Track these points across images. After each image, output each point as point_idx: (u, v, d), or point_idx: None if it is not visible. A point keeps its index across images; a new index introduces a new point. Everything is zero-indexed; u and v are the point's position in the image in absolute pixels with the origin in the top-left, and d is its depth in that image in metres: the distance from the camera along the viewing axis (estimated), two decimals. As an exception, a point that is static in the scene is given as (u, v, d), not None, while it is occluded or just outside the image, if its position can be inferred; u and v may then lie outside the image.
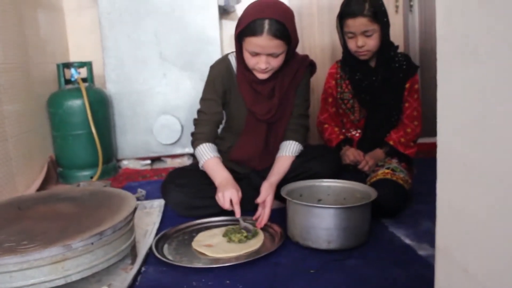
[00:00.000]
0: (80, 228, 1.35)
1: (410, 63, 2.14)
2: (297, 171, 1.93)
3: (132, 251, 1.52)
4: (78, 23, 3.27)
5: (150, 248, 1.61)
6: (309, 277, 1.41)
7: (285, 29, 1.72)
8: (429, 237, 1.64)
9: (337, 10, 2.11)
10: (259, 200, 1.79)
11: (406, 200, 1.98)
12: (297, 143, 1.97)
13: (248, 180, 2.02)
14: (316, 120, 2.34)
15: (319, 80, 3.02)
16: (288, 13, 1.78)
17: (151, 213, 2.05)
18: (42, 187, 2.52)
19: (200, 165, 1.93)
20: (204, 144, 1.92)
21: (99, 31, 2.97)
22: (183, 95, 2.98)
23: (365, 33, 2.01)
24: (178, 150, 3.03)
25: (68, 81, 2.84)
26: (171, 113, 2.99)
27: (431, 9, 3.26)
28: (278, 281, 1.40)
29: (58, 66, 2.82)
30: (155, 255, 1.55)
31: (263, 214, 1.77)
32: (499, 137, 0.65)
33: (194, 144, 1.96)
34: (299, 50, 1.96)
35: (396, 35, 3.12)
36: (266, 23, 1.70)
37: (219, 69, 1.99)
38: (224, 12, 3.21)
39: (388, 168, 2.00)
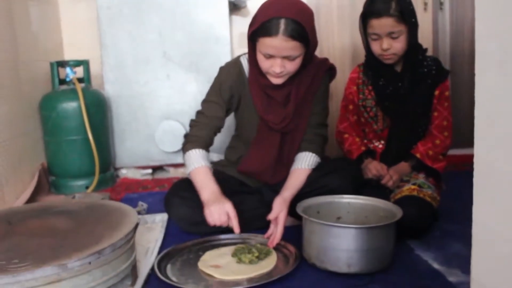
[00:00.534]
0: (77, 245, 1.36)
1: (440, 67, 2.14)
2: (313, 186, 1.92)
3: (133, 272, 1.52)
4: (74, 17, 3.30)
5: (152, 268, 1.62)
6: (327, 304, 1.42)
7: (303, 29, 1.72)
8: (460, 262, 1.64)
9: (359, 6, 2.11)
10: (271, 216, 1.79)
11: (434, 220, 1.98)
12: (314, 154, 1.98)
13: (260, 194, 2.02)
14: (335, 130, 2.34)
15: (338, 85, 3.03)
16: (306, 12, 1.78)
17: (153, 229, 2.06)
18: (32, 197, 2.53)
19: (187, 171, 1.93)
20: (196, 150, 1.92)
21: (97, 27, 3.00)
22: (188, 98, 3.00)
23: (391, 35, 2.01)
24: (182, 159, 3.04)
25: (62, 81, 2.87)
26: (175, 118, 3.01)
27: (464, 6, 3.27)
28: (293, 308, 1.40)
29: (51, 64, 2.84)
30: (157, 276, 1.56)
31: (276, 232, 1.77)
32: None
33: (185, 147, 1.95)
34: (317, 50, 1.96)
35: (424, 36, 3.12)
36: (282, 23, 1.70)
37: (230, 72, 2.00)
38: (234, 7, 3.22)
39: (414, 184, 2.00)
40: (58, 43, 3.25)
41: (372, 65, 2.16)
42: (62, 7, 3.28)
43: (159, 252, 1.76)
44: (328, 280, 1.56)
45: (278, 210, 1.79)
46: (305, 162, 1.96)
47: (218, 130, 2.01)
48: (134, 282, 1.52)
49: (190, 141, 1.96)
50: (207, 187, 1.84)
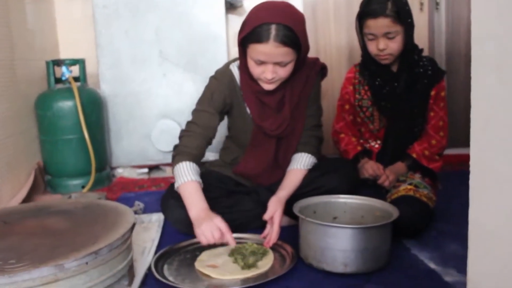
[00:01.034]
0: (74, 246, 1.36)
1: (436, 68, 2.14)
2: (310, 186, 1.93)
3: (130, 272, 1.53)
4: (70, 16, 3.29)
5: (149, 268, 1.62)
6: (323, 304, 1.42)
7: (294, 35, 1.70)
8: (456, 261, 1.65)
9: (355, 5, 2.12)
10: (266, 216, 1.79)
11: (430, 220, 1.99)
12: (310, 155, 1.98)
13: (256, 195, 2.02)
14: (331, 129, 2.35)
15: (335, 84, 3.04)
16: (298, 17, 1.76)
17: (149, 228, 2.06)
18: (28, 197, 2.53)
19: (175, 185, 1.84)
20: (186, 163, 1.83)
21: (93, 26, 2.99)
22: (185, 97, 3.00)
23: (387, 35, 2.01)
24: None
25: (58, 80, 2.86)
26: (172, 118, 3.01)
27: (460, 6, 3.27)
28: (290, 308, 1.41)
29: (47, 63, 2.84)
30: (154, 276, 1.56)
31: (271, 232, 1.77)
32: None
33: (175, 159, 1.87)
34: (313, 49, 1.96)
35: (420, 36, 3.12)
36: (273, 29, 1.68)
37: (221, 81, 1.95)
38: (230, 7, 3.22)
39: (410, 184, 2.01)
40: (54, 42, 3.24)
41: (368, 65, 2.16)
42: (58, 5, 3.27)
43: (155, 252, 1.76)
44: (325, 280, 1.57)
45: (273, 210, 1.79)
46: (301, 163, 1.96)
47: (210, 140, 1.94)
48: (131, 282, 1.52)
49: (180, 153, 1.88)
50: (195, 204, 1.76)
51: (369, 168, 2.11)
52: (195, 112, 1.96)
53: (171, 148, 2.93)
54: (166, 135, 2.98)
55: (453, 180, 2.42)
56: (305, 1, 3.23)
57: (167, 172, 3.11)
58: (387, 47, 2.02)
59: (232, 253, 1.71)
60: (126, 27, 2.96)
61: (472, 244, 0.86)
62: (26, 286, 1.23)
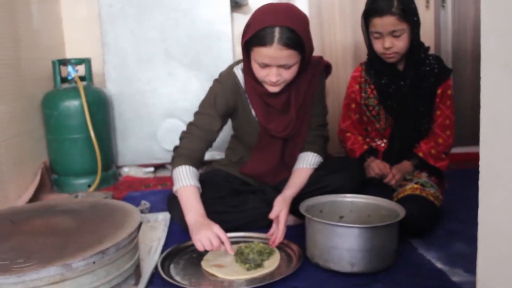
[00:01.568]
0: (81, 245, 1.37)
1: (443, 66, 2.13)
2: (316, 185, 1.93)
3: (136, 271, 1.53)
4: (76, 15, 3.30)
5: (156, 268, 1.62)
6: (330, 303, 1.42)
7: (298, 37, 1.69)
8: (463, 261, 1.64)
9: (361, 3, 2.11)
10: (271, 215, 1.79)
11: (437, 219, 1.98)
12: (316, 154, 1.98)
13: (262, 194, 2.02)
14: (338, 128, 2.34)
15: (340, 82, 3.04)
16: (301, 19, 1.76)
17: (155, 228, 2.07)
18: (35, 196, 2.54)
19: (174, 188, 1.84)
20: (184, 167, 1.83)
21: (99, 25, 3.00)
22: (190, 96, 3.00)
23: (393, 33, 2.00)
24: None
25: (64, 80, 2.87)
26: (177, 116, 3.01)
27: (466, 4, 3.26)
28: (296, 307, 1.41)
29: (53, 62, 2.85)
30: (161, 276, 1.57)
31: (277, 231, 1.77)
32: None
33: (174, 162, 1.87)
34: (318, 48, 1.96)
35: (426, 34, 3.11)
36: (277, 32, 1.67)
37: (225, 85, 1.94)
38: (235, 5, 3.22)
39: (417, 183, 2.01)
40: (60, 41, 3.25)
41: (374, 64, 2.15)
42: (63, 5, 3.28)
43: (162, 251, 1.76)
44: (331, 279, 1.57)
45: (279, 209, 1.79)
46: (307, 162, 1.96)
47: (210, 144, 1.94)
48: (137, 281, 1.52)
49: (179, 155, 1.88)
50: (192, 210, 1.75)
51: (376, 167, 2.11)
52: (197, 115, 1.95)
53: (177, 147, 2.97)
54: (172, 134, 2.98)
55: (459, 178, 2.42)
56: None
57: (173, 171, 3.12)
58: (393, 45, 2.01)
59: (237, 252, 1.71)
60: (132, 25, 2.97)
61: (481, 244, 0.86)
62: (33, 286, 1.23)
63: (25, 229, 1.53)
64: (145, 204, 2.31)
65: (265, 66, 1.75)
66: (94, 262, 1.32)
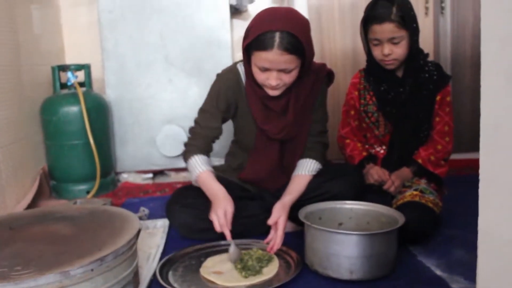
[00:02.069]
0: (79, 252, 1.36)
1: (442, 72, 2.13)
2: (315, 192, 1.93)
3: (135, 278, 1.52)
4: (75, 21, 3.30)
5: (154, 275, 1.62)
6: (329, 311, 1.41)
7: (298, 42, 1.70)
8: (463, 268, 1.64)
9: (360, 9, 2.11)
10: (270, 221, 1.79)
11: (436, 225, 1.98)
12: (315, 161, 1.98)
13: (261, 200, 2.02)
14: (337, 135, 2.34)
15: (340, 89, 3.04)
16: (302, 24, 1.76)
17: (154, 234, 2.06)
18: (33, 202, 2.53)
19: (192, 179, 1.95)
20: (196, 156, 1.93)
21: (99, 31, 3.00)
22: (190, 103, 3.00)
23: (392, 40, 2.00)
24: (184, 164, 3.01)
25: (63, 86, 2.87)
26: (177, 123, 3.01)
27: (465, 11, 3.27)
28: (295, 315, 1.40)
29: (53, 68, 2.85)
30: (159, 283, 1.56)
31: (275, 237, 1.77)
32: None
33: (186, 156, 1.97)
34: (318, 54, 1.96)
35: (425, 40, 3.12)
36: (277, 36, 1.68)
37: (227, 79, 1.97)
38: (235, 11, 3.23)
39: (416, 190, 2.00)
40: (60, 47, 3.25)
41: (373, 71, 2.15)
42: (63, 11, 3.28)
43: (160, 258, 1.76)
44: (330, 286, 1.56)
45: (278, 215, 1.79)
46: (306, 168, 1.96)
47: (215, 138, 2.01)
48: (136, 288, 1.52)
49: (188, 150, 1.97)
50: (209, 190, 1.87)
51: (375, 173, 2.10)
52: (200, 112, 2.02)
53: (176, 153, 2.98)
54: (171, 140, 2.98)
55: (459, 185, 2.41)
56: (310, 5, 3.23)
57: (172, 177, 3.11)
58: (392, 52, 2.01)
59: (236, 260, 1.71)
60: (132, 31, 2.97)
61: (481, 251, 0.85)
62: (31, 293, 1.22)
63: (23, 235, 1.52)
64: (144, 210, 2.31)
65: (265, 70, 1.76)
66: (92, 270, 1.31)
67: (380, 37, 2.01)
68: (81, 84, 2.86)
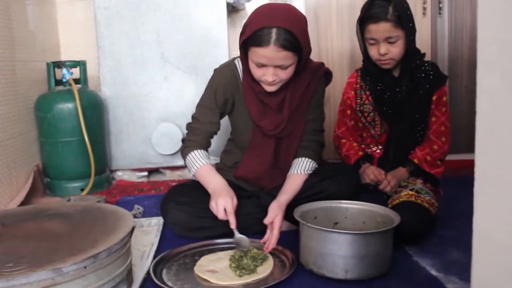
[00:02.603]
0: (72, 249, 1.35)
1: (438, 72, 2.14)
2: (311, 191, 1.92)
3: (128, 276, 1.51)
4: (71, 17, 3.29)
5: (148, 273, 1.61)
6: (323, 310, 1.41)
7: (295, 38, 1.70)
8: (458, 268, 1.64)
9: (358, 9, 2.11)
10: (266, 221, 1.79)
11: (432, 226, 1.98)
12: (310, 160, 1.98)
13: (257, 199, 2.02)
14: (333, 134, 2.34)
15: (336, 89, 3.04)
16: (299, 20, 1.77)
17: (148, 232, 2.05)
18: (27, 199, 2.53)
19: (191, 174, 1.96)
20: (194, 151, 1.94)
21: (95, 28, 2.99)
22: (186, 101, 2.99)
23: (388, 40, 2.01)
24: (179, 162, 3.04)
25: (58, 82, 2.86)
26: (172, 121, 3.00)
27: (462, 12, 3.27)
28: (289, 314, 1.40)
29: (48, 65, 2.84)
30: (153, 281, 1.55)
31: (271, 237, 1.77)
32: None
33: (184, 151, 1.97)
34: (315, 53, 1.96)
35: (422, 40, 3.13)
36: (274, 33, 1.68)
37: (224, 74, 1.99)
38: (232, 9, 3.22)
39: (412, 190, 2.00)
40: (55, 44, 3.24)
41: (369, 70, 2.15)
42: (59, 7, 3.27)
43: (154, 256, 1.75)
44: (325, 286, 1.56)
45: (274, 215, 1.79)
46: (301, 168, 1.96)
47: (213, 133, 2.02)
48: (129, 286, 1.51)
49: (187, 146, 1.97)
50: (210, 182, 1.89)
51: (371, 173, 2.10)
52: (198, 107, 2.02)
53: (171, 151, 2.97)
54: (167, 139, 2.97)
55: (455, 185, 2.42)
56: (307, 4, 3.23)
57: (167, 175, 3.11)
58: (388, 51, 2.01)
59: (230, 259, 1.70)
60: (128, 29, 2.96)
61: (476, 251, 0.85)
62: (23, 290, 1.22)
63: (16, 232, 1.51)
64: (139, 208, 2.30)
65: (262, 66, 1.76)
66: (85, 267, 1.31)
67: (376, 37, 2.02)
68: (76, 81, 2.85)
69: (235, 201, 1.80)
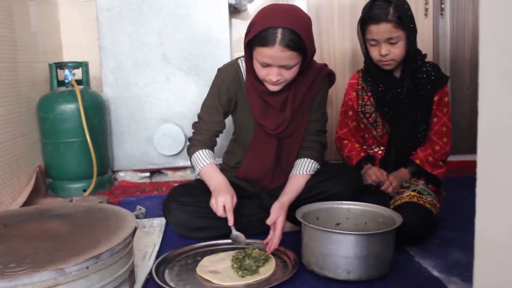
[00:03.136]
0: (74, 250, 1.35)
1: (440, 73, 2.13)
2: (313, 192, 1.93)
3: (130, 277, 1.52)
4: (73, 19, 3.30)
5: (150, 273, 1.62)
6: (325, 311, 1.41)
7: (300, 39, 1.71)
8: (460, 269, 1.64)
9: (359, 10, 2.11)
10: (269, 221, 1.79)
11: (434, 226, 1.98)
12: (313, 161, 1.97)
13: (259, 200, 2.02)
14: (335, 135, 2.34)
15: (338, 90, 3.04)
16: (304, 21, 1.78)
17: (150, 233, 2.06)
18: (29, 200, 2.53)
19: (195, 173, 1.97)
20: (200, 151, 1.95)
21: (97, 29, 3.00)
22: (187, 102, 3.00)
23: (389, 41, 2.00)
24: (181, 163, 3.04)
25: (61, 83, 2.86)
26: (174, 122, 3.00)
27: (464, 13, 3.27)
28: (291, 315, 1.40)
29: (50, 66, 2.84)
30: (155, 281, 1.56)
31: (273, 237, 1.77)
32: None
33: (190, 150, 1.99)
34: (317, 54, 1.96)
35: (424, 41, 3.13)
36: (279, 33, 1.69)
37: (227, 74, 1.99)
38: (234, 11, 3.22)
39: (414, 190, 2.00)
40: (57, 45, 3.25)
41: (371, 71, 2.15)
42: (61, 8, 3.28)
43: (157, 257, 1.75)
44: (327, 286, 1.56)
45: (276, 215, 1.79)
46: (304, 168, 1.96)
47: (219, 132, 2.03)
48: (131, 287, 1.51)
49: (193, 145, 1.98)
50: (212, 180, 1.89)
51: (372, 174, 2.10)
52: (202, 107, 2.03)
53: (173, 152, 2.97)
54: (168, 139, 2.97)
55: (457, 186, 2.41)
56: (309, 5, 3.24)
57: (169, 176, 3.11)
58: (389, 52, 2.01)
59: (233, 260, 1.70)
60: (129, 30, 2.96)
61: (478, 252, 0.85)
62: (26, 290, 1.22)
63: (19, 233, 1.51)
64: (141, 209, 2.30)
65: (266, 65, 1.77)
66: (87, 267, 1.31)
67: (377, 38, 2.01)
68: (79, 82, 2.85)
69: (234, 199, 1.80)
